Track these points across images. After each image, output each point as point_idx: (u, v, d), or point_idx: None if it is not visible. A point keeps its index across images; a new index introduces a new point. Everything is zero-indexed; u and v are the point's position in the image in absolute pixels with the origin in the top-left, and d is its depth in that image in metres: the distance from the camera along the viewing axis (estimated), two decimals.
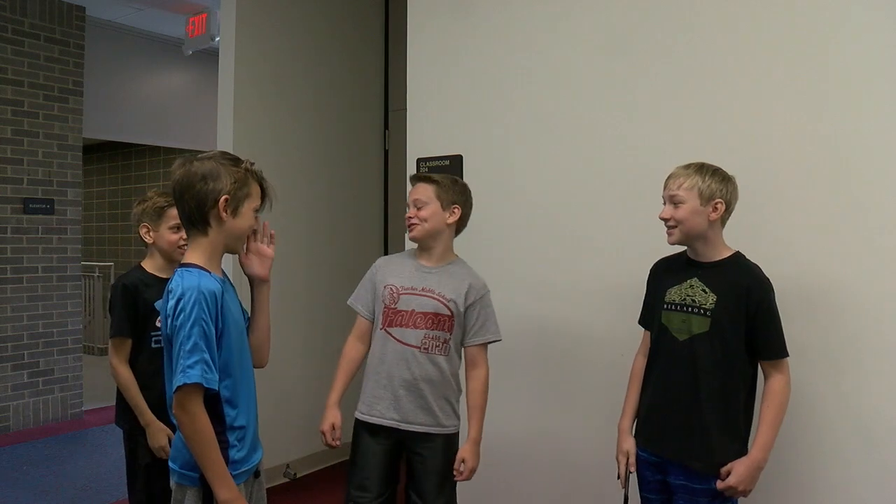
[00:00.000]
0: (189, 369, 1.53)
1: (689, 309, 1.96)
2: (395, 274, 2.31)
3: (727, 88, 2.37)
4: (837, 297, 2.18)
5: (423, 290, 2.26)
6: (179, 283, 1.60)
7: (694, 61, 2.44)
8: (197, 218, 1.66)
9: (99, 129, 6.34)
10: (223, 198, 1.65)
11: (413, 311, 2.24)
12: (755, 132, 2.31)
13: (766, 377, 1.94)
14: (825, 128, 2.21)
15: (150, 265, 2.50)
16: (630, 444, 2.09)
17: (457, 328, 2.27)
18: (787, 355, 1.93)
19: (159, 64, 6.72)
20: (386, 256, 2.50)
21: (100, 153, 10.94)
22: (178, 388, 1.54)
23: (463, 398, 2.33)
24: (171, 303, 1.59)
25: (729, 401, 1.92)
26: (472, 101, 2.97)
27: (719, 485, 1.89)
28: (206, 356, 1.56)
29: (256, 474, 1.78)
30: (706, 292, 1.95)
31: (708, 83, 2.41)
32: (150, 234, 2.47)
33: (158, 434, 2.35)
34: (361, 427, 2.30)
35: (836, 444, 2.17)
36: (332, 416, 2.27)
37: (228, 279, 1.78)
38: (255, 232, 1.80)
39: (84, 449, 4.71)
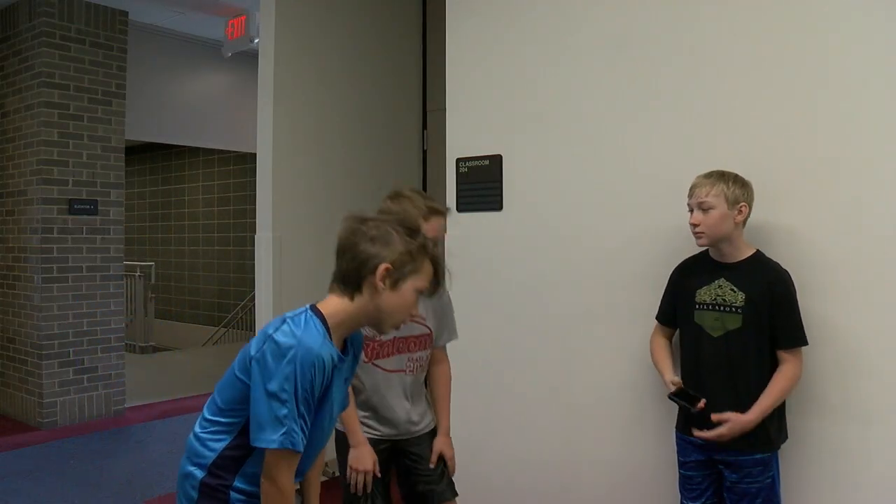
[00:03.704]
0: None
1: (721, 308, 2.12)
2: None
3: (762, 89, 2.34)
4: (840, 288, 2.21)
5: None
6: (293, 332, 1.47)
7: (715, 60, 2.41)
8: (351, 279, 1.54)
9: (140, 130, 6.46)
10: (384, 266, 1.52)
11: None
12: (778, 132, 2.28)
13: (780, 363, 2.09)
14: (829, 127, 2.23)
15: None
16: (671, 375, 2.24)
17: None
18: (802, 344, 2.08)
19: (199, 66, 6.82)
20: None
21: (140, 154, 11.14)
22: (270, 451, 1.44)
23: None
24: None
25: (762, 388, 2.08)
26: (511, 100, 2.95)
27: (705, 434, 2.08)
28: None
29: None
30: (735, 291, 2.11)
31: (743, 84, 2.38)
32: None
33: None
34: None
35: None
36: None
37: (354, 357, 1.66)
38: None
39: (126, 445, 4.80)
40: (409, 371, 2.26)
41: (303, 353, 1.42)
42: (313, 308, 1.53)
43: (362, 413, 2.25)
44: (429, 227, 2.07)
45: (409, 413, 2.27)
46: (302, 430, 1.45)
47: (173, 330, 10.63)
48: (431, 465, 2.28)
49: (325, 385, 1.49)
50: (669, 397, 2.18)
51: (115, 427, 5.20)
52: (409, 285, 1.54)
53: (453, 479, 2.38)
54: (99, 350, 5.40)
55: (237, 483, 1.54)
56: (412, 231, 1.57)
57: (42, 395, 5.09)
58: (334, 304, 1.54)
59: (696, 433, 2.12)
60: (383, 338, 2.18)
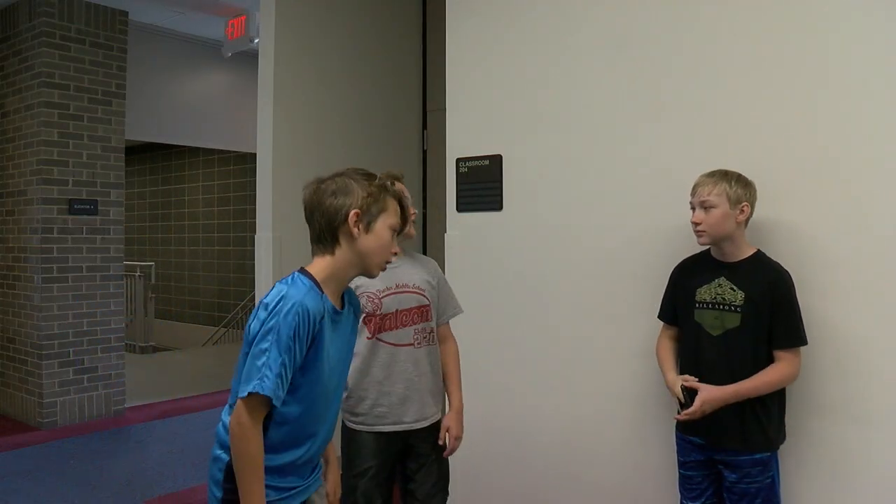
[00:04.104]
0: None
1: (721, 307, 2.13)
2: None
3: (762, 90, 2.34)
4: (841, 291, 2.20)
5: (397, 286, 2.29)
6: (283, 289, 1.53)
7: (714, 61, 2.41)
8: (327, 235, 1.60)
9: (140, 130, 6.47)
10: (353, 212, 1.58)
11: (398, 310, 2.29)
12: (779, 131, 2.28)
13: (776, 360, 2.08)
14: (829, 127, 2.23)
15: None
16: (675, 376, 2.22)
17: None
18: (800, 344, 2.07)
19: (199, 66, 6.82)
20: None
21: (140, 154, 11.14)
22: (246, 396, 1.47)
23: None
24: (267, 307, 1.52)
25: None
26: (511, 100, 2.95)
27: (680, 416, 2.11)
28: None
29: None
30: (735, 290, 2.12)
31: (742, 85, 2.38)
32: None
33: None
34: None
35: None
36: None
37: (353, 314, 1.71)
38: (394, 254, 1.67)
39: (126, 445, 4.80)
40: (418, 344, 2.31)
41: (286, 304, 1.49)
42: (301, 269, 1.61)
43: (373, 402, 2.26)
44: None
45: (420, 388, 2.31)
46: (279, 377, 1.47)
47: (173, 330, 10.64)
48: (440, 443, 2.32)
49: (313, 335, 1.52)
50: (681, 388, 2.18)
51: (115, 427, 5.20)
52: (381, 224, 1.61)
53: (450, 470, 2.41)
54: (99, 350, 5.40)
55: None
56: (368, 175, 1.64)
57: (42, 395, 5.09)
58: (319, 263, 1.61)
59: (678, 417, 2.15)
60: (384, 311, 2.26)
